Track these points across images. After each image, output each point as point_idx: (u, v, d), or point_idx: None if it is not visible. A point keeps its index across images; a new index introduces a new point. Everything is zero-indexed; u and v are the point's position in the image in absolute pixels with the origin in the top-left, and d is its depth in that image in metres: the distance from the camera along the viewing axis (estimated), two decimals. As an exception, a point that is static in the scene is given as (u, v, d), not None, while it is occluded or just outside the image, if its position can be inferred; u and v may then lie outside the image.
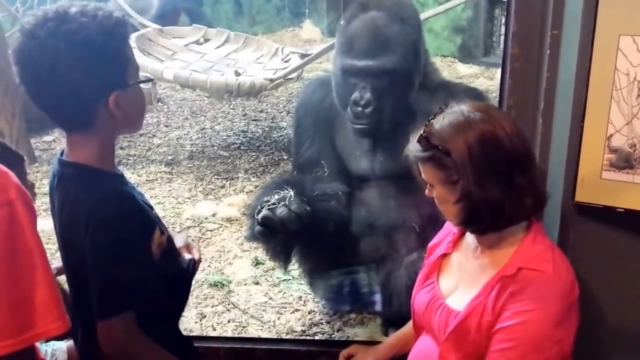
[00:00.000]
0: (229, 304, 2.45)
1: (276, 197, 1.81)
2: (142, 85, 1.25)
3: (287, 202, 1.79)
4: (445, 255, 1.35)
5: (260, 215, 1.79)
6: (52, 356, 1.52)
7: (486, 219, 1.17)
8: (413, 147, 1.20)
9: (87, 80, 1.13)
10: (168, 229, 1.35)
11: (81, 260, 1.17)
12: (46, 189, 1.33)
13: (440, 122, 1.18)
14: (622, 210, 1.34)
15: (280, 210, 1.78)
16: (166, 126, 4.50)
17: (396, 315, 1.98)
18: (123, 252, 1.15)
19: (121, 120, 1.21)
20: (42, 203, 2.01)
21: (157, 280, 1.24)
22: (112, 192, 1.18)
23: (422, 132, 1.18)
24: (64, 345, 1.52)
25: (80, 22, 1.14)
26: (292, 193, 1.81)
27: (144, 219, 1.21)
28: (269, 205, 1.80)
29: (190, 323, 2.30)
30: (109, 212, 1.15)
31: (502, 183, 1.15)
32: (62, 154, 1.25)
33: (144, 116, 1.32)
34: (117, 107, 1.18)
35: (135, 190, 1.28)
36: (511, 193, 1.15)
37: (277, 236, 1.87)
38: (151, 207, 1.30)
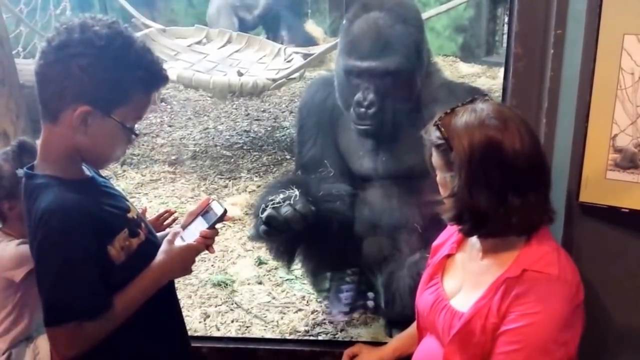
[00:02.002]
0: (232, 304, 2.45)
1: (281, 196, 1.81)
2: (125, 137, 1.21)
3: (292, 202, 1.79)
4: (449, 256, 1.34)
5: (264, 214, 1.79)
6: (35, 348, 1.54)
7: (468, 224, 1.17)
8: (430, 130, 1.21)
9: (76, 77, 1.13)
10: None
11: None
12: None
13: (460, 115, 1.17)
14: (626, 210, 1.34)
15: (285, 210, 1.78)
16: (169, 126, 4.51)
17: (399, 315, 1.98)
18: (68, 264, 1.15)
19: (82, 142, 1.18)
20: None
21: (116, 282, 1.22)
22: (58, 204, 1.15)
23: (440, 118, 1.18)
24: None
25: (113, 35, 1.15)
26: (297, 193, 1.81)
27: (100, 225, 1.19)
28: (273, 204, 1.79)
29: (194, 323, 2.31)
30: (53, 225, 1.14)
31: (493, 197, 1.13)
32: (31, 167, 1.24)
33: (107, 158, 1.27)
34: (83, 125, 1.16)
35: (103, 194, 1.26)
36: (499, 209, 1.13)
37: (281, 236, 1.86)
38: (126, 210, 1.28)
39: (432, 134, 1.19)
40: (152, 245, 1.31)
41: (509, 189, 1.13)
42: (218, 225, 1.34)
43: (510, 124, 1.14)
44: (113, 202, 1.26)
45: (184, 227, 1.36)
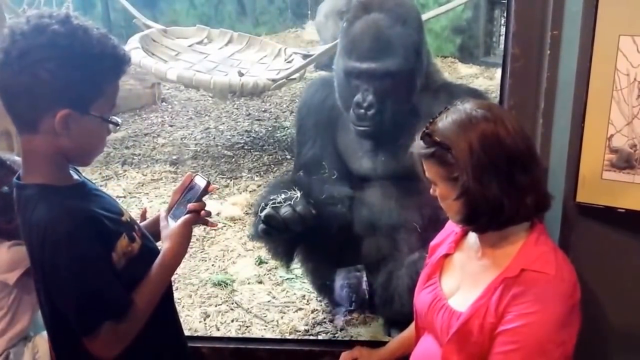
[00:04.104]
0: (232, 303, 2.46)
1: (282, 196, 1.81)
2: (108, 126, 1.19)
3: (292, 203, 1.79)
4: (447, 256, 1.35)
5: (263, 214, 1.79)
6: (33, 347, 1.55)
7: (485, 217, 1.17)
8: (417, 145, 1.22)
9: (47, 83, 1.09)
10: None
11: (41, 277, 1.20)
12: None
13: (443, 120, 1.19)
14: (622, 210, 1.34)
15: (285, 210, 1.78)
16: (170, 126, 4.53)
17: (398, 315, 1.99)
18: (83, 270, 1.14)
19: (66, 145, 1.15)
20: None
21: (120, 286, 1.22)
22: (60, 213, 1.13)
23: (425, 129, 1.20)
24: (45, 333, 1.57)
25: (73, 31, 1.11)
26: (298, 194, 1.81)
27: (102, 230, 1.18)
28: (273, 204, 1.80)
29: (194, 323, 2.31)
30: (59, 235, 1.12)
31: (503, 181, 1.15)
32: (18, 176, 1.22)
33: (93, 154, 1.25)
34: (65, 128, 1.13)
35: (97, 198, 1.25)
36: (511, 191, 1.15)
37: (279, 236, 1.87)
38: (120, 214, 1.26)
39: (422, 145, 1.20)
40: (147, 248, 1.30)
41: (516, 170, 1.15)
42: (218, 225, 1.35)
43: (494, 110, 1.19)
44: (107, 207, 1.25)
45: (172, 206, 1.36)
